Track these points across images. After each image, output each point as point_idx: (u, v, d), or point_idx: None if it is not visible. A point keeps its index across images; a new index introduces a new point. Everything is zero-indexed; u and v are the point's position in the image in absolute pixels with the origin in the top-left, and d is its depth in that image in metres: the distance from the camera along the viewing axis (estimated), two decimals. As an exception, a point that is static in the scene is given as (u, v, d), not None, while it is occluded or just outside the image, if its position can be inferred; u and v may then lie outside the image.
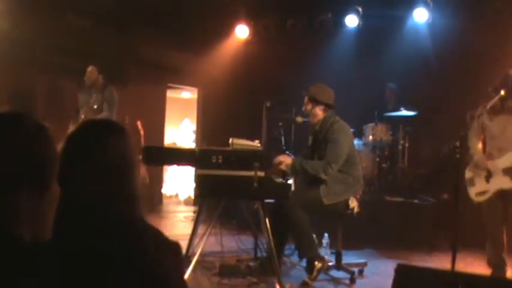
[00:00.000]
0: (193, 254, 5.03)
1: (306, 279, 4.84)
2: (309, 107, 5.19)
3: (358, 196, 5.18)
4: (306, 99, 5.22)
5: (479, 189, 4.93)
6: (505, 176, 4.77)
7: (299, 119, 5.51)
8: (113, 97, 7.36)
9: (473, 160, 5.02)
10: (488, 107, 4.67)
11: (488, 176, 4.88)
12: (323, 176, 4.93)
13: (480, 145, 5.04)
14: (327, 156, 4.97)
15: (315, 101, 5.15)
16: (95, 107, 7.19)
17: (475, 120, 4.96)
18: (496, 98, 4.64)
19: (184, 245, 4.40)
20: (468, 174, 5.04)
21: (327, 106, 5.16)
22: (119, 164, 1.58)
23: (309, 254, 4.94)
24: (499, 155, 4.84)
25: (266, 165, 4.57)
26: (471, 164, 5.05)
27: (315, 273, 4.86)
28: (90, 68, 7.41)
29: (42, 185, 1.56)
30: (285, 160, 4.94)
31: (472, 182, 4.99)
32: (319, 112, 5.16)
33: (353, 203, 5.07)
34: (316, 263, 4.88)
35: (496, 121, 4.90)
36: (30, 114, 1.61)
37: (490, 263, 4.96)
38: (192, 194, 10.68)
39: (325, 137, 5.08)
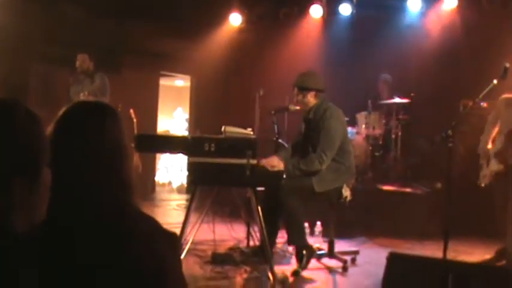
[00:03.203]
0: (186, 242, 5.03)
1: (298, 268, 4.84)
2: (300, 96, 5.09)
3: (351, 185, 5.16)
4: (295, 90, 5.11)
5: (483, 173, 5.23)
6: (494, 159, 5.06)
7: (292, 107, 5.44)
8: (105, 83, 7.29)
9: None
10: (480, 96, 4.71)
11: (488, 161, 5.17)
12: (319, 167, 4.85)
13: (494, 132, 5.25)
14: (321, 145, 4.89)
15: (305, 89, 5.05)
16: (87, 93, 7.12)
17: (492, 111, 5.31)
18: (489, 87, 4.68)
19: (177, 233, 4.40)
20: (481, 160, 5.34)
21: (318, 91, 5.08)
22: (114, 148, 1.52)
23: (298, 242, 4.93)
24: (499, 142, 5.08)
25: (258, 153, 4.56)
26: None
27: (304, 263, 4.87)
28: (81, 55, 7.29)
29: (35, 174, 1.53)
30: (278, 165, 4.78)
31: (482, 167, 5.27)
32: (311, 99, 5.06)
33: (346, 192, 5.05)
34: (303, 252, 4.88)
35: (509, 109, 5.12)
36: (22, 103, 1.57)
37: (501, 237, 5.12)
38: (185, 182, 10.68)
39: (318, 125, 4.99)
